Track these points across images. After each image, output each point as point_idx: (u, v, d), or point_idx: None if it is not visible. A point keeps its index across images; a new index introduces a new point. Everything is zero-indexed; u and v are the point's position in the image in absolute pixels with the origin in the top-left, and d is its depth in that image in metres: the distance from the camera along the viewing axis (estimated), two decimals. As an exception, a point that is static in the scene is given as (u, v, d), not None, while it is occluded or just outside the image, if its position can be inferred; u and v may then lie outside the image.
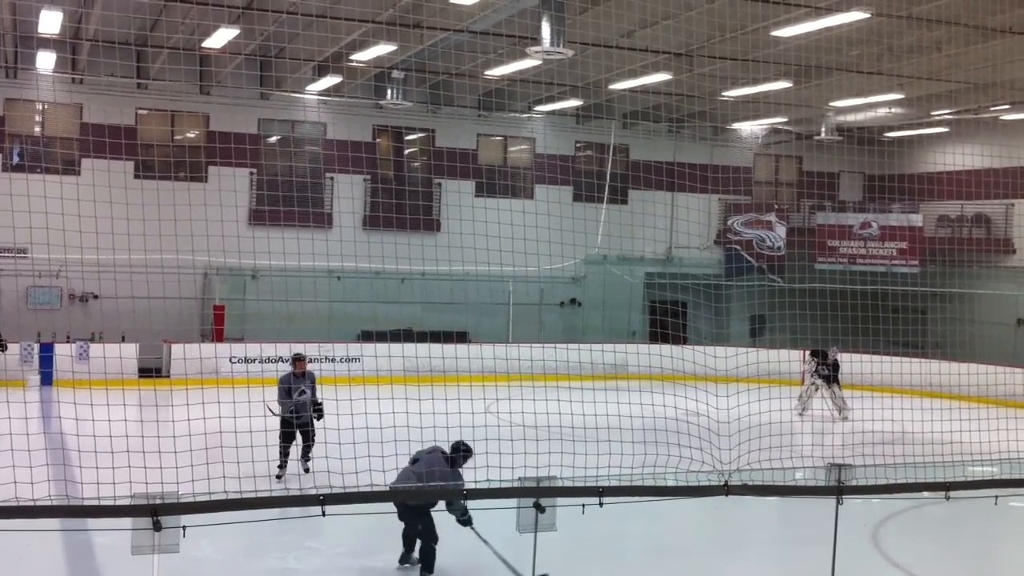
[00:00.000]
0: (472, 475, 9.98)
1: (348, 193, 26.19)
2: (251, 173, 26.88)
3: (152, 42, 23.35)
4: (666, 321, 22.72)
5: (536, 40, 16.72)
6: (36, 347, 23.11)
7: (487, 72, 23.87)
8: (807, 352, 22.54)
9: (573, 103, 27.90)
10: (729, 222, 31.26)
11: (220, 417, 9.83)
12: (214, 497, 7.95)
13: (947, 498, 10.06)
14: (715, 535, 13.59)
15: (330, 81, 24.91)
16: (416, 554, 10.77)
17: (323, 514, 8.21)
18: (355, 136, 27.83)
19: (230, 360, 23.82)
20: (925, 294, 26.72)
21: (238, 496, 8.02)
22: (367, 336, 25.56)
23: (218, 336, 25.41)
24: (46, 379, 22.52)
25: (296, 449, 14.26)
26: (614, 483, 9.31)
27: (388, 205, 27.24)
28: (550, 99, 27.67)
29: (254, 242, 20.12)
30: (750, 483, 9.67)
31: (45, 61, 22.40)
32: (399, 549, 10.84)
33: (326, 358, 24.46)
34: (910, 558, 12.28)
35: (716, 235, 31.73)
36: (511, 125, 29.85)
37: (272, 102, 26.96)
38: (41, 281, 24.80)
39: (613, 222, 27.58)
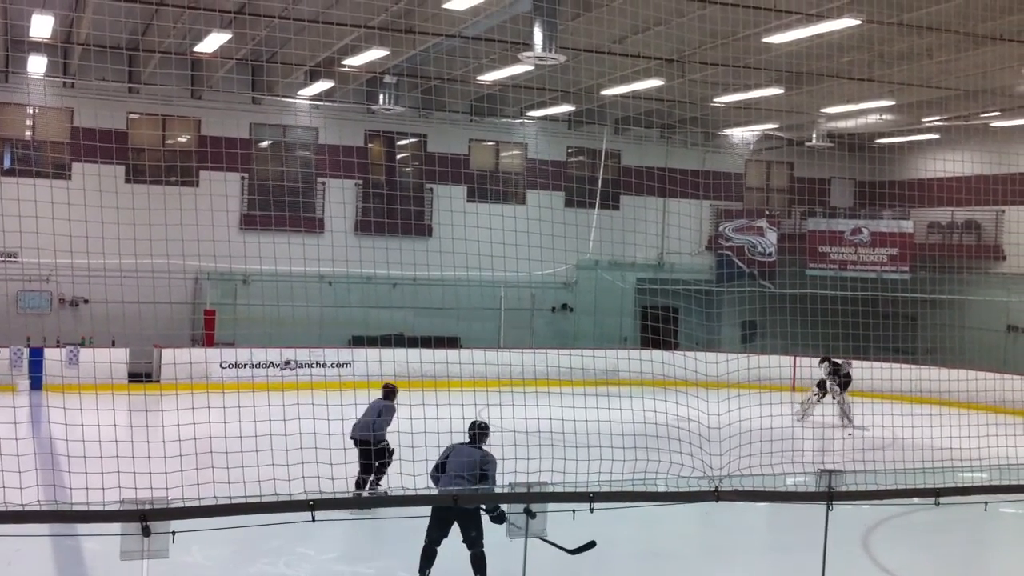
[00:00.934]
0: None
1: (340, 198, 26.19)
2: (242, 178, 26.85)
3: (144, 46, 23.33)
4: (657, 327, 22.70)
5: (528, 45, 16.75)
6: (26, 351, 23.05)
7: (479, 77, 23.89)
8: (820, 359, 22.48)
9: (565, 108, 27.94)
10: (720, 228, 31.31)
11: (210, 422, 9.81)
12: (204, 503, 7.92)
13: (937, 504, 10.08)
14: (705, 541, 13.59)
15: (322, 86, 24.90)
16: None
17: (313, 519, 8.19)
18: (347, 141, 27.83)
19: (220, 365, 23.78)
20: (915, 300, 26.80)
21: (228, 501, 7.99)
22: (358, 341, 25.57)
23: (209, 341, 25.37)
24: (36, 383, 22.44)
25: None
26: (605, 489, 9.29)
27: (380, 210, 27.27)
28: (542, 104, 27.69)
29: (245, 247, 20.08)
30: (740, 488, 9.68)
31: (36, 65, 22.37)
32: (391, 555, 10.81)
33: (317, 363, 24.48)
34: (900, 564, 12.30)
35: (707, 241, 31.78)
36: (503, 130, 29.87)
37: (264, 107, 26.93)
38: (31, 285, 24.75)
39: (605, 227, 27.60)
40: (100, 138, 23.64)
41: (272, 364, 24.19)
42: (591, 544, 9.77)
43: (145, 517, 7.48)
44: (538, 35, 16.45)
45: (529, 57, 16.92)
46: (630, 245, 28.62)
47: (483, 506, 9.87)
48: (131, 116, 26.13)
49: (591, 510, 8.77)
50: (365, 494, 12.40)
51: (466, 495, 9.44)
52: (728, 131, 31.05)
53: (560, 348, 24.14)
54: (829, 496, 9.37)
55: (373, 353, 22.02)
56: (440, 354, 23.20)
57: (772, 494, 10.83)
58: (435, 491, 9.74)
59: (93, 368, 15.67)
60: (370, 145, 28.98)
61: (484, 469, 9.92)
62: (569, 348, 25.19)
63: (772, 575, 12.43)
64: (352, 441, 12.72)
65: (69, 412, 9.49)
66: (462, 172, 29.14)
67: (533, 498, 8.74)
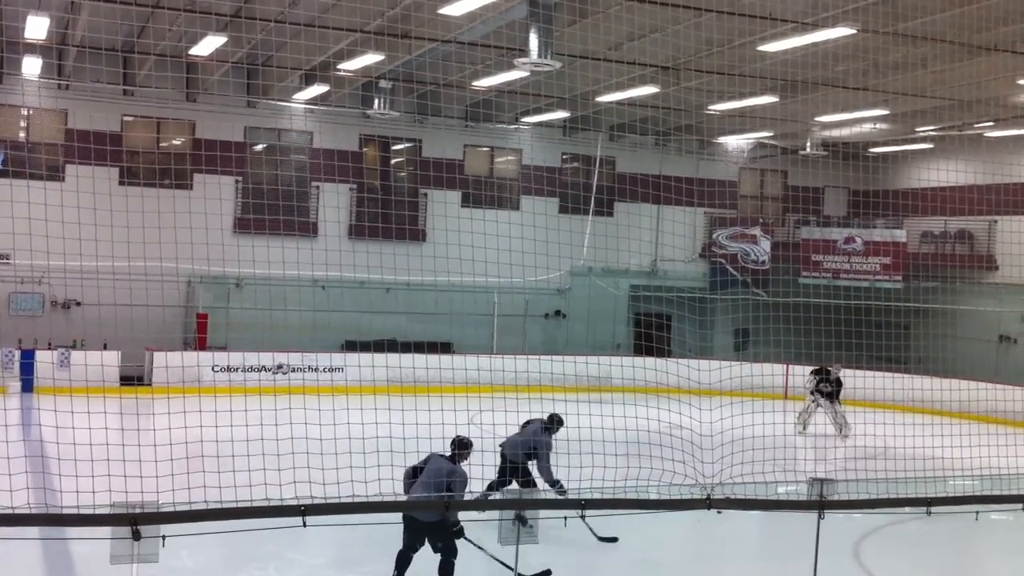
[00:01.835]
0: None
1: (334, 202, 26.15)
2: (236, 181, 26.82)
3: (139, 48, 23.30)
4: (650, 334, 22.73)
5: (524, 52, 16.75)
6: (17, 354, 22.97)
7: (474, 83, 23.90)
8: (809, 371, 22.51)
9: (560, 115, 27.96)
10: (714, 235, 31.34)
11: (202, 426, 9.78)
12: (194, 507, 7.90)
13: (928, 513, 10.09)
14: (697, 549, 13.58)
15: (317, 90, 24.89)
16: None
17: (304, 525, 8.17)
18: (341, 145, 27.82)
19: (212, 369, 23.72)
20: (908, 309, 26.83)
21: (218, 506, 7.97)
22: (351, 346, 25.54)
23: (201, 344, 25.32)
24: (27, 386, 22.37)
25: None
26: (596, 496, 9.29)
27: (374, 215, 27.25)
28: (537, 111, 27.71)
29: (239, 250, 20.05)
30: (732, 497, 9.68)
31: (31, 66, 22.32)
32: (381, 561, 10.78)
33: (309, 368, 24.47)
34: (891, 573, 12.31)
35: (701, 248, 31.81)
36: (498, 136, 29.88)
37: (259, 110, 26.92)
38: (23, 287, 24.68)
39: (599, 234, 27.62)
40: (94, 140, 23.66)
41: (264, 368, 24.16)
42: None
43: (135, 521, 7.46)
44: (533, 41, 16.46)
45: (524, 63, 16.93)
46: (624, 252, 28.66)
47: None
48: (125, 118, 26.09)
49: (583, 517, 8.77)
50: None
51: (456, 503, 9.42)
52: (722, 139, 31.10)
53: (553, 355, 24.11)
54: (821, 505, 9.38)
55: (366, 358, 22.03)
56: (433, 359, 23.24)
57: (764, 502, 10.84)
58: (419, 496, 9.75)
59: (85, 371, 15.66)
60: (365, 149, 28.96)
61: (451, 485, 9.89)
62: (562, 355, 25.17)
63: (763, 583, 12.42)
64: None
65: (60, 415, 9.46)
66: (457, 177, 29.14)
67: (525, 504, 8.73)
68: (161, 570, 8.14)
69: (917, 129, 26.57)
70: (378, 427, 11.23)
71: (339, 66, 21.99)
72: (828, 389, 22.05)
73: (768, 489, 10.73)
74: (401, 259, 22.34)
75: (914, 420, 14.47)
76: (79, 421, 9.35)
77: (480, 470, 10.83)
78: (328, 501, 8.92)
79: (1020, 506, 10.29)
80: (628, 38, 19.44)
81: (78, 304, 24.45)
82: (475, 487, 10.60)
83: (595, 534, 10.19)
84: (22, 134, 25.81)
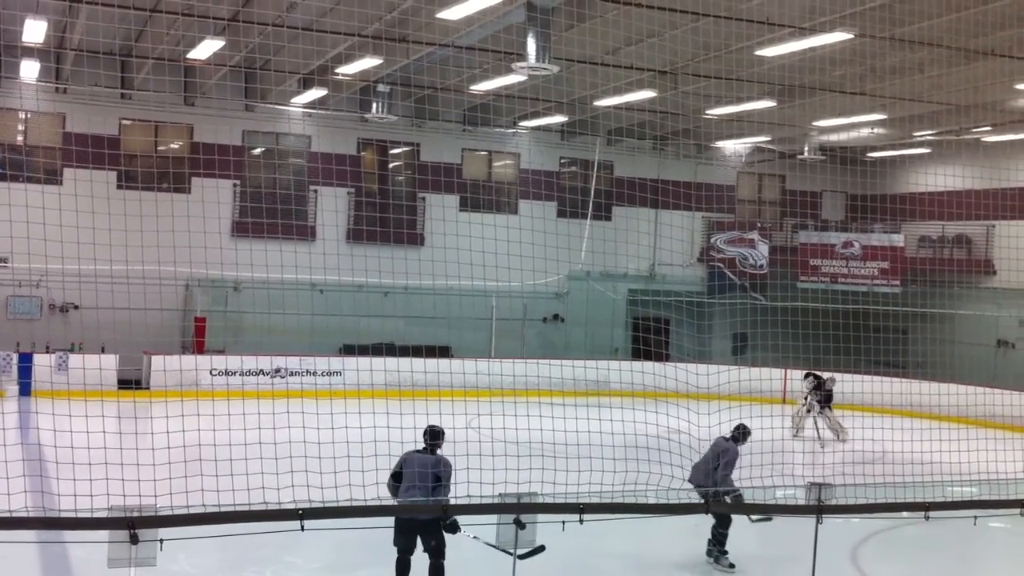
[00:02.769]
0: (453, 491, 9.94)
1: (332, 206, 26.15)
2: (235, 185, 26.82)
3: (137, 52, 23.30)
4: (648, 338, 22.72)
5: (521, 56, 16.77)
6: (15, 357, 22.94)
7: (472, 87, 23.91)
8: (804, 375, 22.53)
9: (558, 119, 27.98)
10: (712, 240, 31.36)
11: (199, 430, 9.77)
12: (192, 511, 7.88)
13: (926, 518, 10.09)
14: (695, 553, 13.57)
15: (315, 94, 24.90)
16: None
17: (302, 528, 8.15)
18: (339, 149, 27.82)
19: (210, 372, 23.72)
20: (906, 314, 26.86)
21: (216, 510, 7.96)
22: (349, 350, 25.53)
23: (199, 348, 25.30)
24: (24, 389, 22.35)
25: None
26: (595, 500, 9.28)
27: (372, 218, 27.23)
28: (535, 115, 27.73)
29: (237, 254, 20.06)
30: (730, 501, 9.67)
31: (29, 70, 22.31)
32: (379, 565, 10.77)
33: (308, 371, 24.47)
34: (889, 577, 12.29)
35: (699, 253, 31.82)
36: (496, 140, 29.90)
37: (257, 114, 26.93)
38: (21, 290, 24.66)
39: (597, 238, 27.65)
40: (92, 144, 23.64)
41: (262, 372, 24.14)
42: (540, 548, 9.78)
43: (133, 524, 7.44)
44: (531, 45, 16.48)
45: (522, 67, 16.94)
46: (622, 256, 28.66)
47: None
48: (123, 122, 26.09)
49: (581, 521, 8.75)
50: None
51: (456, 506, 9.40)
52: (720, 143, 31.13)
53: (551, 359, 24.13)
54: (819, 509, 9.38)
55: (364, 362, 22.02)
56: (431, 363, 23.19)
57: (762, 507, 10.83)
58: (427, 499, 9.72)
59: (83, 374, 15.63)
60: (363, 153, 28.99)
61: (439, 476, 9.91)
62: (560, 359, 25.19)
63: (761, 588, 12.41)
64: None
65: (58, 418, 9.45)
66: (455, 181, 29.16)
67: (523, 508, 8.72)
68: (159, 574, 8.12)
69: (915, 134, 26.61)
70: (376, 431, 11.22)
71: (337, 70, 22.00)
72: (819, 398, 22.12)
73: (766, 493, 10.72)
74: (399, 263, 22.36)
75: (912, 424, 14.49)
76: (77, 424, 9.33)
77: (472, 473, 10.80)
78: (326, 505, 8.90)
79: (1018, 511, 10.28)
80: (626, 42, 19.46)
81: (76, 307, 24.42)
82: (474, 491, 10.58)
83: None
84: (20, 138, 25.81)
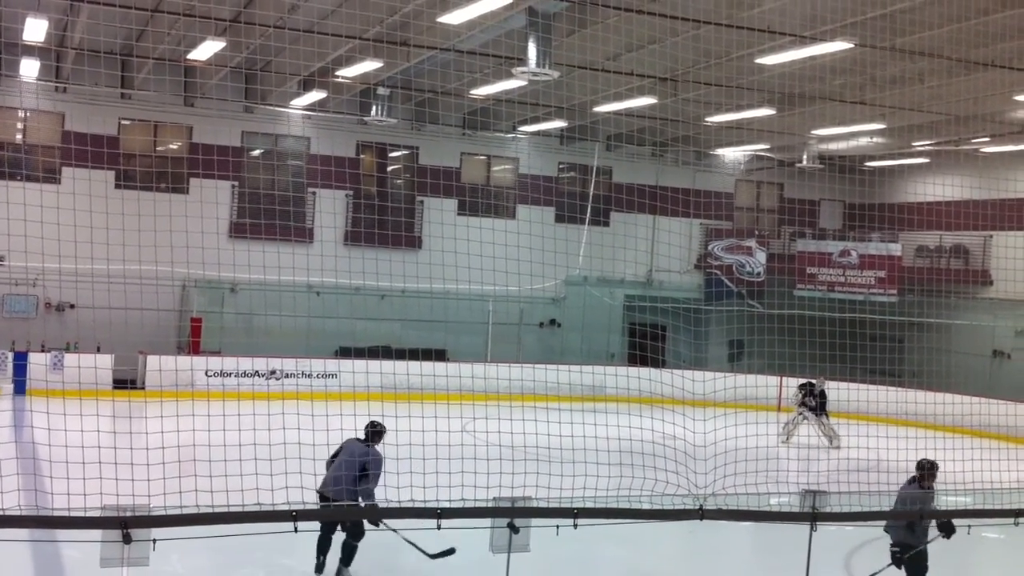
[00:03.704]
0: (447, 494, 9.93)
1: (330, 208, 26.14)
2: (233, 186, 26.80)
3: (137, 52, 23.30)
4: (645, 344, 22.73)
5: (522, 61, 16.78)
6: (10, 356, 22.91)
7: (472, 91, 23.92)
8: (797, 384, 22.59)
9: (557, 124, 27.99)
10: (710, 247, 31.37)
11: (194, 430, 9.77)
12: (185, 511, 7.87)
13: (921, 527, 10.08)
14: (689, 560, 13.57)
15: (315, 96, 24.90)
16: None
17: (295, 530, 8.15)
18: (338, 151, 27.81)
19: (206, 373, 23.69)
20: (902, 323, 26.87)
21: (209, 510, 7.95)
22: (345, 352, 25.50)
23: (195, 349, 25.27)
24: (19, 388, 22.31)
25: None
26: (589, 505, 9.27)
27: (370, 221, 27.23)
28: (534, 120, 27.74)
29: (234, 255, 20.04)
30: (725, 508, 9.67)
31: (29, 69, 22.31)
32: (373, 568, 10.77)
33: (303, 374, 24.41)
34: (883, 587, 12.26)
35: (696, 260, 31.84)
36: (495, 144, 29.91)
37: (256, 115, 26.93)
38: (17, 289, 24.63)
39: (594, 244, 27.63)
40: (91, 143, 23.61)
41: (258, 373, 24.12)
42: (451, 551, 9.82)
43: (126, 524, 7.43)
44: (532, 51, 16.49)
45: (523, 72, 16.95)
46: (619, 262, 28.66)
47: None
48: (123, 122, 26.08)
49: (575, 526, 8.75)
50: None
51: (450, 509, 9.38)
52: (719, 151, 31.15)
53: (547, 363, 24.10)
54: (813, 517, 9.38)
55: (360, 365, 22.00)
56: (427, 367, 23.15)
57: (756, 513, 10.83)
58: (418, 504, 9.72)
59: (78, 373, 15.62)
60: (362, 156, 28.99)
61: (365, 466, 10.60)
62: (556, 364, 25.17)
63: (755, 595, 12.40)
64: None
65: (52, 417, 9.43)
66: (453, 185, 29.17)
67: (517, 513, 8.71)
68: (151, 574, 8.11)
69: (913, 144, 26.64)
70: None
71: (337, 72, 21.99)
72: (812, 403, 22.15)
73: (761, 500, 10.72)
74: (396, 266, 22.34)
75: (907, 434, 14.46)
76: (71, 424, 9.32)
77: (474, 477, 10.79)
78: (320, 507, 8.89)
79: (1013, 521, 10.28)
80: (626, 49, 19.47)
81: (72, 307, 24.40)
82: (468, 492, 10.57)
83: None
84: (19, 136, 25.79)
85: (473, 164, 30.44)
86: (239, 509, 8.12)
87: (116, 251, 11.44)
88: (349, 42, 19.32)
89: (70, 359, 22.36)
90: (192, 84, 25.56)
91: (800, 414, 22.42)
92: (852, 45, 16.94)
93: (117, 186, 24.48)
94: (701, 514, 9.36)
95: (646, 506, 9.92)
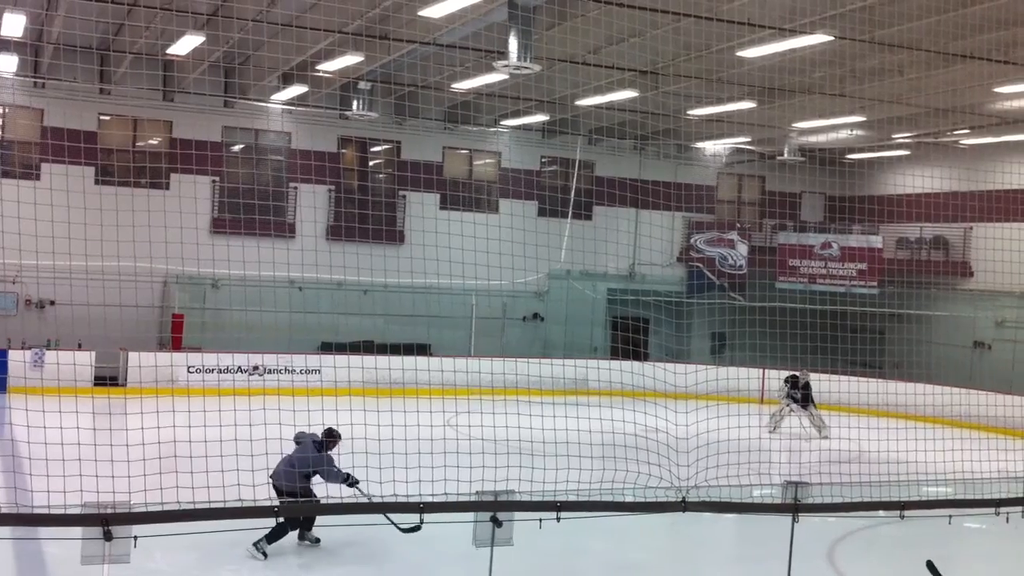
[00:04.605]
0: (431, 488, 9.92)
1: (311, 203, 26.07)
2: (213, 181, 26.70)
3: (116, 47, 23.16)
4: (628, 337, 22.77)
5: (503, 54, 16.76)
6: (-10, 353, 22.77)
7: (454, 85, 23.88)
8: (783, 376, 22.68)
9: (539, 118, 27.98)
10: (692, 240, 31.45)
11: (175, 427, 9.72)
12: (167, 508, 7.84)
13: (902, 517, 10.15)
14: (672, 551, 13.60)
15: (296, 90, 24.81)
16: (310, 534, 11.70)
17: (284, 531, 8.11)
18: (320, 146, 27.73)
19: (188, 369, 23.58)
20: (883, 315, 27.00)
21: (191, 507, 7.92)
22: (328, 347, 25.43)
23: (176, 345, 25.16)
24: (0, 385, 22.17)
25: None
26: (572, 498, 9.29)
27: (352, 216, 27.17)
28: (516, 113, 27.73)
29: (215, 250, 19.94)
30: (707, 500, 9.70)
31: (6, 64, 22.14)
32: (356, 563, 10.75)
33: (286, 369, 24.37)
34: (865, 577, 12.34)
35: (679, 252, 31.90)
36: (477, 138, 29.88)
37: (236, 110, 26.80)
38: (-3, 286, 24.48)
39: (577, 237, 27.66)
40: (70, 138, 23.48)
41: (240, 369, 24.06)
42: (418, 527, 9.91)
43: (107, 521, 7.40)
44: (513, 44, 16.47)
45: (504, 66, 16.93)
46: (602, 255, 28.69)
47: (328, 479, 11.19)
48: (102, 117, 25.93)
49: (558, 519, 8.76)
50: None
51: (431, 505, 9.37)
52: (701, 144, 31.21)
53: (531, 357, 24.12)
54: (795, 508, 9.41)
55: (342, 360, 21.95)
56: (410, 361, 23.17)
57: (739, 505, 10.86)
58: (402, 498, 9.74)
59: (57, 370, 15.53)
60: (343, 151, 28.91)
61: (311, 475, 11.21)
62: (540, 357, 25.19)
63: (738, 587, 12.45)
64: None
65: (33, 414, 9.38)
66: (435, 179, 29.12)
67: (500, 506, 8.71)
68: (133, 571, 8.08)
69: (894, 136, 26.75)
70: (353, 428, 11.20)
71: (318, 67, 21.93)
72: (798, 395, 22.25)
73: (743, 492, 10.75)
74: (379, 261, 22.22)
75: (888, 424, 14.57)
76: (52, 421, 9.27)
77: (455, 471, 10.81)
78: (302, 503, 8.87)
79: (993, 511, 10.35)
80: (607, 42, 19.48)
81: (52, 303, 24.27)
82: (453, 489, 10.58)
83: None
84: (-3, 132, 25.60)
85: (455, 158, 30.41)
86: (221, 505, 8.10)
87: (96, 247, 11.38)
88: (330, 36, 19.26)
89: (51, 356, 22.22)
90: (171, 79, 25.41)
91: (787, 406, 22.53)
92: (832, 38, 17.00)
93: (96, 182, 24.33)
94: (684, 506, 9.38)
95: (629, 498, 9.94)
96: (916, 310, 27.62)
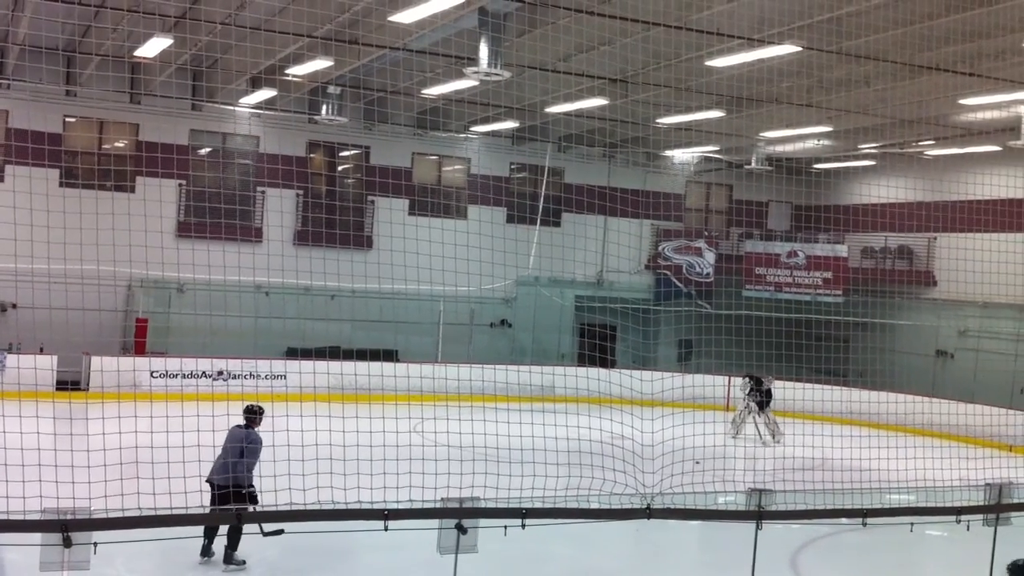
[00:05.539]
0: (395, 495, 9.88)
1: (279, 207, 25.94)
2: (180, 185, 26.50)
3: (83, 49, 22.95)
4: (595, 344, 22.81)
5: (474, 61, 16.77)
6: (-50, 356, 22.46)
7: (424, 91, 23.86)
8: (744, 375, 22.82)
9: (509, 125, 28.01)
10: (660, 247, 31.58)
11: (137, 432, 9.62)
12: (127, 514, 7.75)
13: (864, 525, 10.21)
14: (637, 558, 13.63)
15: (264, 94, 24.69)
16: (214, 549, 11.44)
17: (240, 531, 8.05)
18: (288, 151, 27.61)
19: (151, 374, 23.39)
20: (848, 323, 27.22)
21: (152, 513, 7.83)
22: (294, 353, 25.30)
23: (139, 350, 24.93)
24: (-40, 389, 21.87)
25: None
26: (537, 505, 9.27)
27: (320, 221, 27.05)
28: (486, 120, 27.74)
29: (180, 254, 19.81)
30: (672, 507, 9.71)
31: (-30, 64, 21.93)
32: (323, 570, 10.69)
33: (251, 374, 24.17)
34: (828, 584, 12.42)
35: (647, 260, 32.02)
36: (446, 145, 29.86)
37: (204, 113, 26.64)
38: (-42, 289, 24.16)
39: (545, 244, 27.68)
40: (34, 140, 23.19)
41: (205, 374, 23.88)
42: (280, 531, 9.95)
43: (66, 527, 7.30)
44: (484, 51, 16.49)
45: (474, 72, 16.94)
46: (570, 262, 28.75)
47: None
48: (67, 119, 25.68)
49: (523, 526, 8.74)
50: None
51: (395, 512, 9.34)
52: (670, 152, 31.35)
53: (498, 364, 24.10)
54: (759, 515, 9.45)
55: (308, 365, 21.86)
56: (377, 367, 23.00)
57: (703, 512, 10.89)
58: (367, 505, 9.69)
59: (18, 375, 15.34)
60: (311, 155, 28.80)
61: (243, 451, 11.30)
62: (507, 364, 25.17)
63: (702, 594, 12.49)
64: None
65: (-8, 419, 9.25)
66: (403, 185, 29.07)
67: (465, 513, 8.68)
68: (93, 578, 7.98)
69: (860, 146, 27.00)
70: (318, 434, 11.12)
71: (287, 71, 21.82)
72: (758, 399, 22.41)
73: (708, 499, 10.79)
74: (346, 266, 22.17)
75: (852, 432, 14.66)
76: (12, 426, 9.14)
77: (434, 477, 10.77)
78: (266, 509, 8.81)
79: (954, 518, 10.44)
80: (577, 50, 19.52)
81: (14, 307, 23.97)
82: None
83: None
84: (-40, 133, 25.30)
85: (424, 164, 30.37)
86: (183, 512, 8.02)
87: (60, 250, 11.26)
88: (299, 40, 19.18)
89: (12, 360, 21.95)
90: (139, 81, 25.23)
91: (746, 407, 22.68)
92: (800, 48, 17.13)
93: (61, 184, 24.08)
94: (648, 513, 9.38)
95: (594, 505, 9.93)
96: (880, 319, 27.87)
